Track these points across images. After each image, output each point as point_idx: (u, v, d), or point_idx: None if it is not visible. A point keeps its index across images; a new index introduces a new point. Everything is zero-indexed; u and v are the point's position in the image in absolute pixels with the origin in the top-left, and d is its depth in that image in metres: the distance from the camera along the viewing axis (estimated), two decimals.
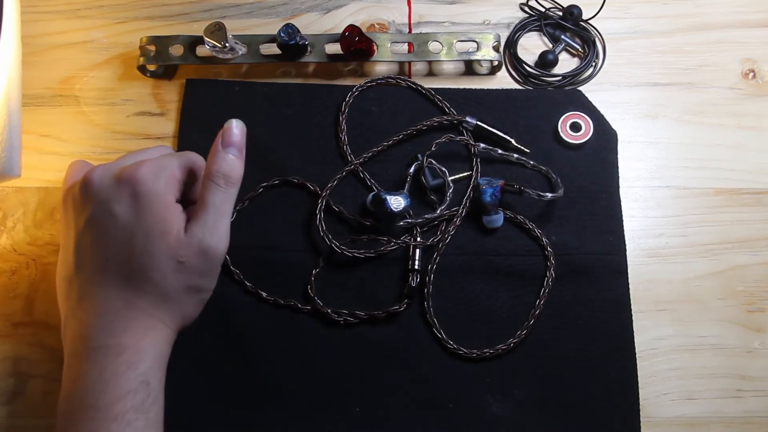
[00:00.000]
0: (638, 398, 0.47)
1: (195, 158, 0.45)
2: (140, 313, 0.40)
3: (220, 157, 0.43)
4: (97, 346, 0.39)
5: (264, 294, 0.49)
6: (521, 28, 0.57)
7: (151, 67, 0.55)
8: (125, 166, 0.42)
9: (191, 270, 0.42)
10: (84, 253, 0.42)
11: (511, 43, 0.56)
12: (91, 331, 0.40)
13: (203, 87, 0.54)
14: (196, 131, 0.53)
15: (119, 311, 0.40)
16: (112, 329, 0.39)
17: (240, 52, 0.53)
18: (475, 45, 0.54)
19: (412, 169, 0.51)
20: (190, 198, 0.45)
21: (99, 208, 0.41)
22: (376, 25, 0.57)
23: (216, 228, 0.42)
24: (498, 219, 0.50)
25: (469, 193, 0.51)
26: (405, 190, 0.50)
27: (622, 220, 0.51)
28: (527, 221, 0.50)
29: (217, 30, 0.51)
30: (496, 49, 0.54)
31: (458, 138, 0.52)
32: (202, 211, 0.42)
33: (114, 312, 0.40)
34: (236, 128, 0.45)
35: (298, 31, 0.52)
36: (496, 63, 0.55)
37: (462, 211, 0.50)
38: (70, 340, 0.41)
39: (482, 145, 0.52)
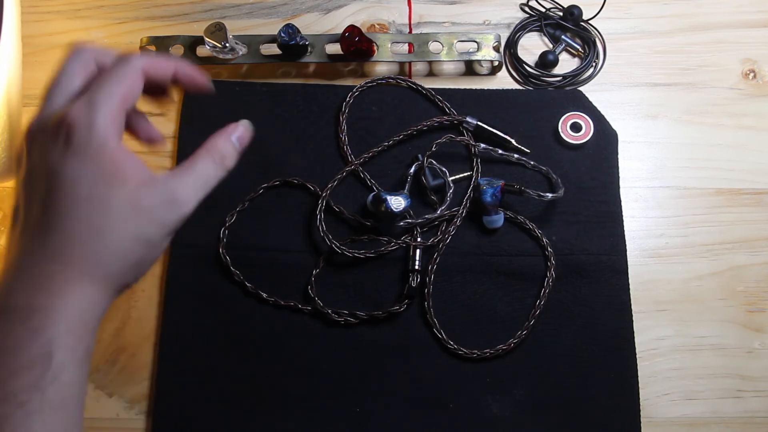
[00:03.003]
0: (638, 398, 0.47)
1: (127, 71, 0.38)
2: (62, 266, 0.35)
3: (225, 139, 0.42)
4: (5, 309, 0.34)
5: (264, 294, 0.49)
6: (521, 29, 0.57)
7: None
8: (60, 109, 0.37)
9: (147, 217, 0.37)
10: (19, 206, 0.37)
11: (512, 44, 0.56)
12: (5, 288, 0.35)
13: None
14: (196, 132, 0.53)
15: (37, 266, 0.35)
16: (24, 287, 0.34)
17: (240, 53, 0.53)
18: (475, 45, 0.54)
19: (412, 170, 0.51)
20: (158, 88, 0.41)
21: (35, 157, 0.37)
22: (377, 26, 0.57)
23: (193, 190, 0.39)
24: (498, 219, 0.50)
25: (470, 194, 0.51)
26: (405, 190, 0.50)
27: (622, 220, 0.51)
28: (527, 221, 0.50)
29: (218, 30, 0.51)
30: (496, 49, 0.54)
31: (458, 138, 0.52)
32: (185, 171, 0.39)
33: (31, 267, 0.35)
34: (246, 128, 0.43)
35: (299, 31, 0.52)
36: (496, 63, 0.55)
37: (462, 212, 0.50)
38: None
39: (482, 145, 0.52)
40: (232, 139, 0.42)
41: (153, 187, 0.37)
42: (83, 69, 0.39)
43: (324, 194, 0.50)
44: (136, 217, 0.36)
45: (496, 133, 0.52)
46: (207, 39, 0.51)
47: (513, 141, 0.52)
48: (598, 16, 0.56)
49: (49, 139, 0.36)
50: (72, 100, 0.37)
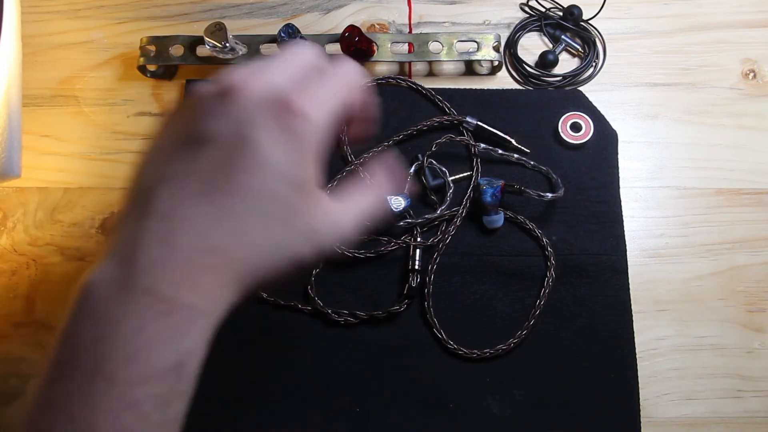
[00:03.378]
0: (638, 398, 0.47)
1: (354, 77, 0.35)
2: (221, 261, 0.29)
3: (399, 176, 0.39)
4: (143, 289, 0.27)
5: (264, 295, 0.49)
6: (521, 29, 0.57)
7: (152, 68, 0.55)
8: (287, 89, 0.32)
9: (312, 236, 0.32)
10: (183, 165, 0.30)
11: (512, 44, 0.56)
12: (144, 263, 0.28)
13: None
14: None
15: (195, 251, 0.28)
16: (174, 273, 0.28)
17: (240, 53, 0.53)
18: (475, 45, 0.54)
19: (412, 169, 0.51)
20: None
21: (235, 126, 0.31)
22: (377, 26, 0.57)
23: (358, 222, 0.36)
24: (498, 219, 0.50)
25: (470, 193, 0.51)
26: (405, 191, 0.50)
27: (622, 220, 0.51)
28: (527, 221, 0.50)
29: (218, 30, 0.51)
30: (496, 49, 0.54)
31: (458, 138, 0.52)
32: (365, 201, 0.36)
33: (188, 249, 0.28)
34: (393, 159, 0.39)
35: (299, 31, 0.52)
36: (496, 63, 0.55)
37: (462, 211, 0.50)
38: (101, 273, 0.28)
39: (482, 145, 0.52)
40: (392, 203, 0.40)
41: (331, 208, 0.34)
42: (307, 62, 0.34)
43: None
44: (301, 233, 0.32)
45: (496, 133, 0.52)
46: (207, 39, 0.51)
47: (513, 141, 0.52)
48: (598, 16, 0.56)
49: (267, 115, 0.31)
50: (296, 86, 0.32)
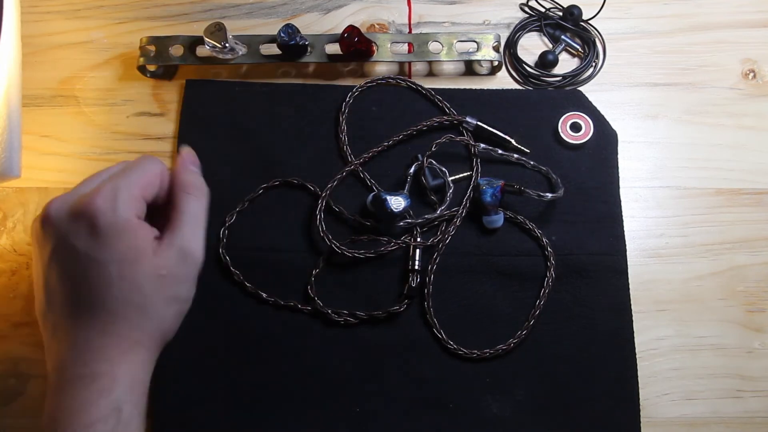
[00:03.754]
0: (638, 398, 0.47)
1: (150, 166, 0.43)
2: (115, 339, 0.39)
3: (188, 171, 0.45)
4: (71, 377, 0.38)
5: (264, 294, 0.49)
6: (521, 29, 0.57)
7: (151, 68, 0.55)
8: (81, 196, 0.41)
9: (173, 280, 0.41)
10: (52, 287, 0.40)
11: (511, 44, 0.56)
12: (64, 362, 0.39)
13: (203, 87, 0.54)
14: (196, 132, 0.53)
15: (92, 341, 0.39)
16: (85, 358, 0.39)
17: (240, 53, 0.53)
18: (475, 45, 0.54)
19: (412, 169, 0.51)
20: (155, 203, 0.44)
21: (59, 243, 0.40)
22: (376, 26, 0.57)
23: (194, 235, 0.42)
24: (498, 219, 0.50)
25: (469, 194, 0.51)
26: (405, 190, 0.50)
27: (622, 220, 0.51)
28: (527, 221, 0.50)
29: (217, 30, 0.51)
30: (496, 49, 0.54)
31: (458, 138, 0.52)
32: (178, 220, 0.42)
33: (86, 342, 0.39)
34: (189, 152, 0.47)
35: (298, 31, 0.52)
36: (496, 63, 0.55)
37: (462, 212, 0.50)
38: (49, 373, 0.40)
39: (482, 145, 0.52)
40: (192, 168, 0.46)
41: (167, 252, 0.41)
42: (106, 171, 0.43)
43: (324, 194, 0.50)
44: (163, 284, 0.41)
45: (495, 133, 0.52)
46: (207, 39, 0.51)
47: (513, 141, 0.52)
48: (598, 16, 0.56)
49: (76, 223, 0.40)
50: (91, 192, 0.40)
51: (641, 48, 0.56)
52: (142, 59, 0.54)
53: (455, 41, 0.54)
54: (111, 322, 0.39)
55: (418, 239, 0.50)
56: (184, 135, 0.53)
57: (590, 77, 0.56)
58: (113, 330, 0.39)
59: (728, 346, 0.49)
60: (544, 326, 0.49)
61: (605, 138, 0.53)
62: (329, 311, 0.48)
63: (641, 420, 0.47)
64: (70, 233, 0.40)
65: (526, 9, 0.58)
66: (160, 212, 0.44)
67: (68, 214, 0.40)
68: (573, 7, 0.56)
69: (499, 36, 0.55)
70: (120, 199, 0.40)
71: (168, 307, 0.41)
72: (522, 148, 0.52)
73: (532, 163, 0.51)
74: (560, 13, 0.57)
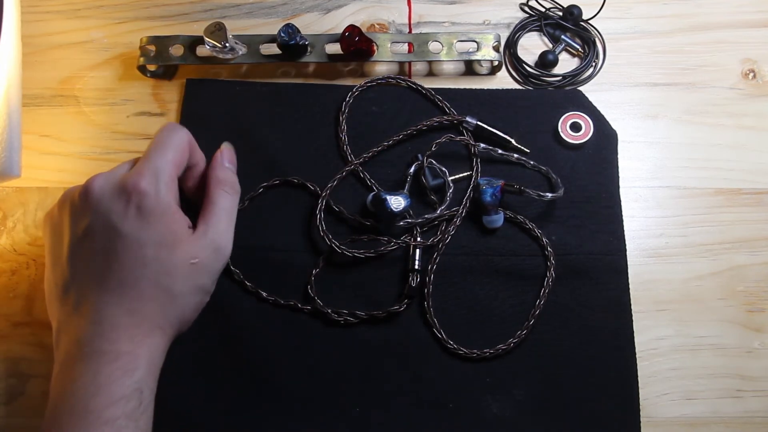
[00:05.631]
0: (638, 398, 0.47)
1: (178, 140, 0.45)
2: (140, 320, 0.40)
3: (224, 169, 0.47)
4: (93, 351, 0.39)
5: (264, 294, 0.49)
6: (521, 28, 0.57)
7: (151, 67, 0.55)
8: (125, 176, 0.42)
9: (202, 270, 0.43)
10: (81, 261, 0.41)
11: (511, 43, 0.56)
12: (88, 336, 0.39)
13: (203, 87, 0.55)
14: (196, 131, 0.52)
15: (118, 318, 0.40)
16: (109, 335, 0.39)
17: (240, 52, 0.53)
18: (475, 45, 0.54)
19: (412, 169, 0.51)
20: (183, 184, 0.47)
21: (99, 218, 0.41)
22: (376, 25, 0.57)
23: (226, 230, 0.45)
24: (498, 219, 0.50)
25: (469, 193, 0.51)
26: (405, 190, 0.50)
27: (622, 220, 0.51)
28: (527, 221, 0.50)
29: (217, 30, 0.51)
30: (496, 49, 0.54)
31: (458, 138, 0.52)
32: (213, 214, 0.44)
33: (112, 318, 0.40)
34: (229, 149, 0.49)
35: (298, 31, 0.52)
36: (496, 63, 0.55)
37: (462, 211, 0.50)
38: (64, 346, 0.40)
39: (482, 145, 0.52)
40: (227, 165, 0.48)
41: (201, 242, 0.43)
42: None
43: (324, 194, 0.50)
44: (193, 272, 0.42)
45: (495, 133, 0.52)
46: (207, 39, 0.51)
47: (513, 141, 0.52)
48: (597, 16, 0.56)
49: (119, 202, 0.41)
50: (132, 171, 0.42)
51: (641, 48, 0.56)
52: (142, 59, 0.54)
53: (455, 41, 0.54)
54: (139, 302, 0.40)
55: (418, 239, 0.50)
56: None
57: (590, 77, 0.56)
58: (140, 310, 0.40)
59: (728, 346, 0.49)
60: (544, 326, 0.49)
61: (605, 138, 0.53)
62: (329, 311, 0.48)
63: (641, 420, 0.47)
64: (113, 211, 0.41)
65: (526, 9, 0.58)
66: (193, 203, 0.47)
67: (112, 191, 0.41)
68: (573, 7, 0.56)
69: (499, 36, 0.55)
70: (161, 181, 0.42)
71: (192, 296, 0.43)
72: (522, 148, 0.52)
73: (532, 163, 0.51)
74: (560, 13, 0.57)
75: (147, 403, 0.39)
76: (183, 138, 0.45)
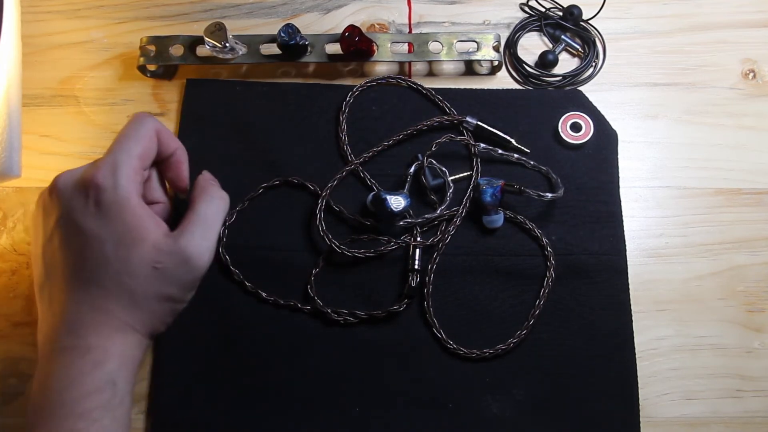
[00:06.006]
0: (638, 398, 0.47)
1: (144, 130, 0.43)
2: (108, 317, 0.40)
3: (210, 181, 0.47)
4: (63, 347, 0.39)
5: (264, 294, 0.49)
6: (521, 28, 0.57)
7: (151, 67, 0.55)
8: (86, 170, 0.41)
9: (167, 278, 0.41)
10: (52, 259, 0.41)
11: (511, 43, 0.56)
12: (58, 332, 0.39)
13: (203, 87, 0.55)
14: (196, 131, 0.53)
15: (86, 314, 0.40)
16: (77, 331, 0.39)
17: (240, 52, 0.53)
18: (475, 45, 0.54)
19: (412, 169, 0.51)
20: (159, 158, 0.45)
21: (63, 214, 0.41)
22: (376, 25, 0.57)
23: (204, 240, 0.43)
24: (498, 219, 0.50)
25: (469, 193, 0.51)
26: (405, 190, 0.50)
27: (622, 220, 0.51)
28: (527, 221, 0.50)
29: (218, 30, 0.51)
30: (496, 49, 0.54)
31: (458, 138, 0.52)
32: (193, 221, 0.43)
33: (81, 314, 0.40)
34: (209, 174, 0.49)
35: (298, 31, 0.52)
36: (496, 63, 0.55)
37: (462, 211, 0.50)
38: (41, 343, 0.41)
39: (482, 145, 0.52)
40: (212, 180, 0.47)
41: (168, 248, 0.41)
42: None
43: (324, 194, 0.50)
44: (156, 280, 0.41)
45: (496, 133, 0.52)
46: (207, 39, 0.51)
47: (513, 141, 0.52)
48: (597, 16, 0.56)
49: (79, 197, 0.40)
50: (92, 166, 0.41)
51: (641, 48, 0.56)
52: (142, 59, 0.54)
53: (455, 41, 0.54)
54: (104, 300, 0.40)
55: (418, 239, 0.50)
56: (184, 134, 0.53)
57: (590, 77, 0.56)
58: (105, 307, 0.40)
59: (728, 346, 0.49)
60: (544, 326, 0.49)
61: (605, 138, 0.53)
62: (329, 310, 0.48)
63: (641, 420, 0.47)
64: (74, 207, 0.40)
65: (526, 9, 0.58)
66: (181, 197, 0.47)
67: (73, 187, 0.41)
68: (573, 7, 0.56)
69: (499, 36, 0.55)
70: (120, 175, 0.41)
71: (158, 302, 0.42)
72: (522, 148, 0.52)
73: (532, 163, 0.51)
74: (560, 13, 0.57)
75: (122, 395, 0.39)
76: (148, 127, 0.43)
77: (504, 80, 0.56)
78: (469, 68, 0.56)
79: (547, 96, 0.54)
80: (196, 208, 0.44)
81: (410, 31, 0.57)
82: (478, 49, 0.54)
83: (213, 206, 0.44)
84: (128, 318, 0.41)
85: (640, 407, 0.47)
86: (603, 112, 0.53)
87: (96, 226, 0.40)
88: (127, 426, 0.40)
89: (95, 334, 0.39)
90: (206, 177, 0.48)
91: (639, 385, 0.47)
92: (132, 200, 0.41)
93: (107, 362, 0.39)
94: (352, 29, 0.52)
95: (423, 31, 0.56)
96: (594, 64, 0.56)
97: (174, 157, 0.46)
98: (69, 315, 0.40)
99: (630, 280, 0.50)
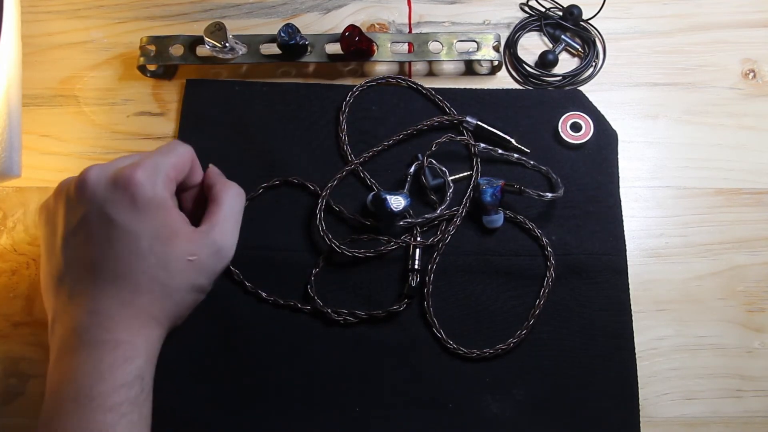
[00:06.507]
0: (638, 398, 0.47)
1: (182, 150, 0.45)
2: (136, 311, 0.40)
3: (221, 175, 0.48)
4: (92, 340, 0.39)
5: (264, 294, 0.49)
6: (521, 28, 0.57)
7: (151, 67, 0.55)
8: (122, 167, 0.42)
9: (201, 268, 0.43)
10: (75, 251, 0.41)
11: (511, 43, 0.56)
12: (85, 325, 0.39)
13: (203, 87, 0.55)
14: (196, 131, 0.53)
15: (115, 308, 0.40)
16: (107, 325, 0.39)
17: (240, 52, 0.53)
18: (475, 45, 0.54)
19: (412, 169, 0.51)
20: (183, 186, 0.47)
21: (94, 209, 0.41)
22: (376, 25, 0.57)
23: (230, 231, 0.45)
24: (498, 219, 0.50)
25: (469, 193, 0.51)
26: (405, 190, 0.50)
27: (622, 220, 0.51)
28: (527, 221, 0.50)
29: (217, 30, 0.51)
30: (496, 49, 0.54)
31: (458, 138, 0.52)
32: (218, 214, 0.44)
33: (109, 309, 0.40)
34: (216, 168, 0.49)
35: (298, 31, 0.52)
36: (496, 63, 0.55)
37: (462, 211, 0.50)
38: (60, 336, 0.40)
39: (482, 145, 0.52)
40: (219, 175, 0.48)
41: (201, 240, 0.43)
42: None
43: (324, 194, 0.50)
44: (190, 269, 0.42)
45: (496, 133, 0.52)
46: (207, 39, 0.51)
47: (513, 141, 0.52)
48: (597, 15, 0.56)
49: (115, 193, 0.41)
50: (130, 164, 0.42)
51: (641, 48, 0.56)
52: (142, 59, 0.54)
53: (455, 41, 0.54)
54: (135, 294, 0.40)
55: (418, 239, 0.50)
56: (184, 134, 0.53)
57: (590, 77, 0.56)
58: (135, 302, 0.40)
59: (728, 346, 0.49)
60: (544, 326, 0.49)
61: (605, 138, 0.53)
62: (329, 310, 0.48)
63: (641, 420, 0.47)
64: (108, 201, 0.41)
65: (526, 9, 0.58)
66: (195, 206, 0.47)
67: (108, 182, 0.41)
68: (573, 6, 0.56)
69: (499, 36, 0.55)
70: (159, 177, 0.42)
71: (188, 293, 0.43)
72: (522, 147, 0.52)
73: (532, 162, 0.51)
74: (560, 13, 0.57)
75: (148, 391, 0.40)
76: (187, 149, 0.45)
77: (504, 80, 0.56)
78: (469, 68, 0.56)
79: (547, 96, 0.54)
80: (223, 201, 0.45)
81: (410, 31, 0.57)
82: (478, 49, 0.54)
83: (238, 201, 0.46)
84: (157, 311, 0.41)
85: (640, 407, 0.47)
86: (603, 112, 0.53)
87: (132, 222, 0.40)
88: (149, 422, 0.40)
89: (124, 330, 0.40)
90: (215, 171, 0.48)
91: (639, 385, 0.47)
92: (168, 201, 0.42)
93: (137, 357, 0.39)
94: (352, 29, 0.52)
95: (423, 31, 0.56)
96: (594, 64, 0.56)
97: (194, 191, 0.48)
98: (96, 309, 0.40)
99: (630, 280, 0.50)
